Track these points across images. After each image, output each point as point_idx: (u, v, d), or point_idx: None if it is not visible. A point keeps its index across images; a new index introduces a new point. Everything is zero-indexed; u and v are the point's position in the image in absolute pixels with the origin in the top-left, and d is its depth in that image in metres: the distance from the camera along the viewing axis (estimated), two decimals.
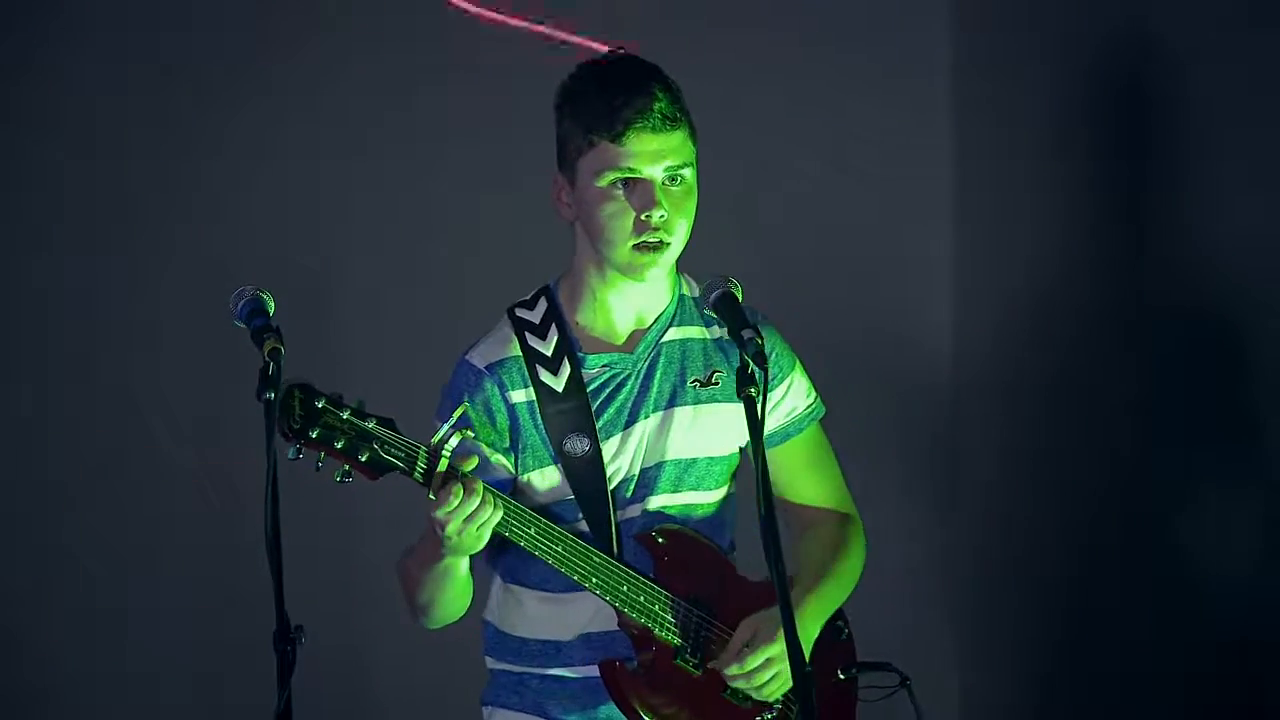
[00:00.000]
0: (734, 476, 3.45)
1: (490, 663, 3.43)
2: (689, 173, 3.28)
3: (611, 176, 3.24)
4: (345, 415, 3.06)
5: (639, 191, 3.24)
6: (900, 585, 5.12)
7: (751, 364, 3.04)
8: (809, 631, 3.32)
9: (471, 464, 3.14)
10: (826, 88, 5.12)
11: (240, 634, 4.63)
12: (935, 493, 5.21)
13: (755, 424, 3.03)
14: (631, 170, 3.24)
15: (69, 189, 4.84)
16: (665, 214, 3.24)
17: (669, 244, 3.27)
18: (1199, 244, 4.57)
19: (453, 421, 3.12)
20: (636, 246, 3.25)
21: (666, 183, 3.25)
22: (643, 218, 3.24)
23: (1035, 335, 5.03)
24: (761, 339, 3.05)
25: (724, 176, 4.97)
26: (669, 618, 3.30)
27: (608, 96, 3.23)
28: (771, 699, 3.33)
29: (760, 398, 3.03)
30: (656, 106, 3.23)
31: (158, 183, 4.86)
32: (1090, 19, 4.86)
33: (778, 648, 3.26)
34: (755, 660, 3.27)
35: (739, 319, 3.12)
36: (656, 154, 3.24)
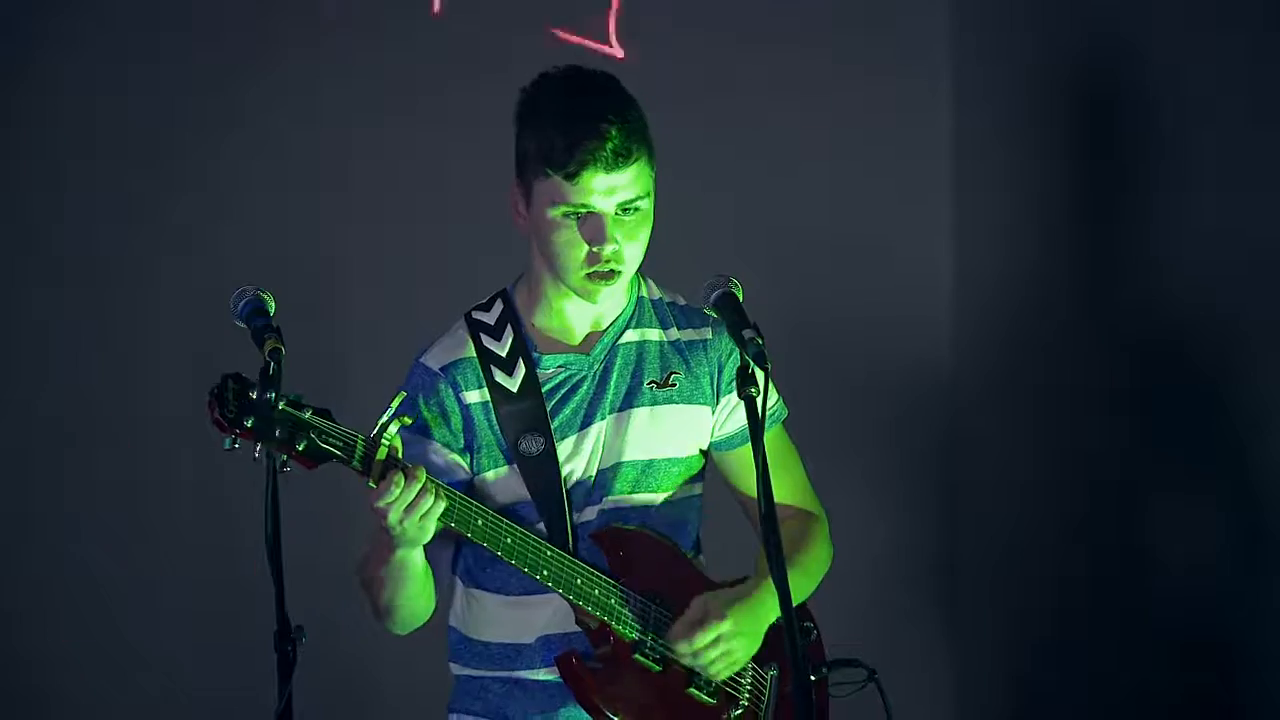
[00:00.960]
0: (699, 479, 3.45)
1: (455, 669, 3.43)
2: (643, 203, 3.28)
3: (563, 209, 3.25)
4: (280, 405, 3.04)
5: (590, 224, 3.25)
6: (897, 586, 5.12)
7: (752, 364, 3.04)
8: (768, 614, 3.32)
9: (396, 442, 3.12)
10: (825, 86, 5.12)
11: (240, 634, 4.64)
12: (933, 492, 5.21)
13: (756, 424, 3.03)
14: (583, 205, 3.24)
15: (69, 189, 4.84)
16: (616, 246, 3.26)
17: (620, 272, 3.28)
18: (1200, 243, 4.57)
19: (393, 410, 3.11)
20: (588, 275, 3.27)
21: (619, 213, 3.26)
22: (593, 250, 3.25)
23: (1034, 335, 5.03)
24: (762, 339, 3.05)
25: (722, 176, 5.00)
26: (626, 612, 3.29)
27: (563, 130, 3.23)
28: (719, 678, 3.31)
29: (761, 398, 3.03)
30: (609, 146, 3.22)
31: (158, 183, 4.86)
32: (1091, 17, 4.86)
33: (728, 625, 3.26)
34: (705, 638, 3.27)
35: (740, 318, 3.11)
36: (608, 190, 3.24)
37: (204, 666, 4.85)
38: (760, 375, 3.04)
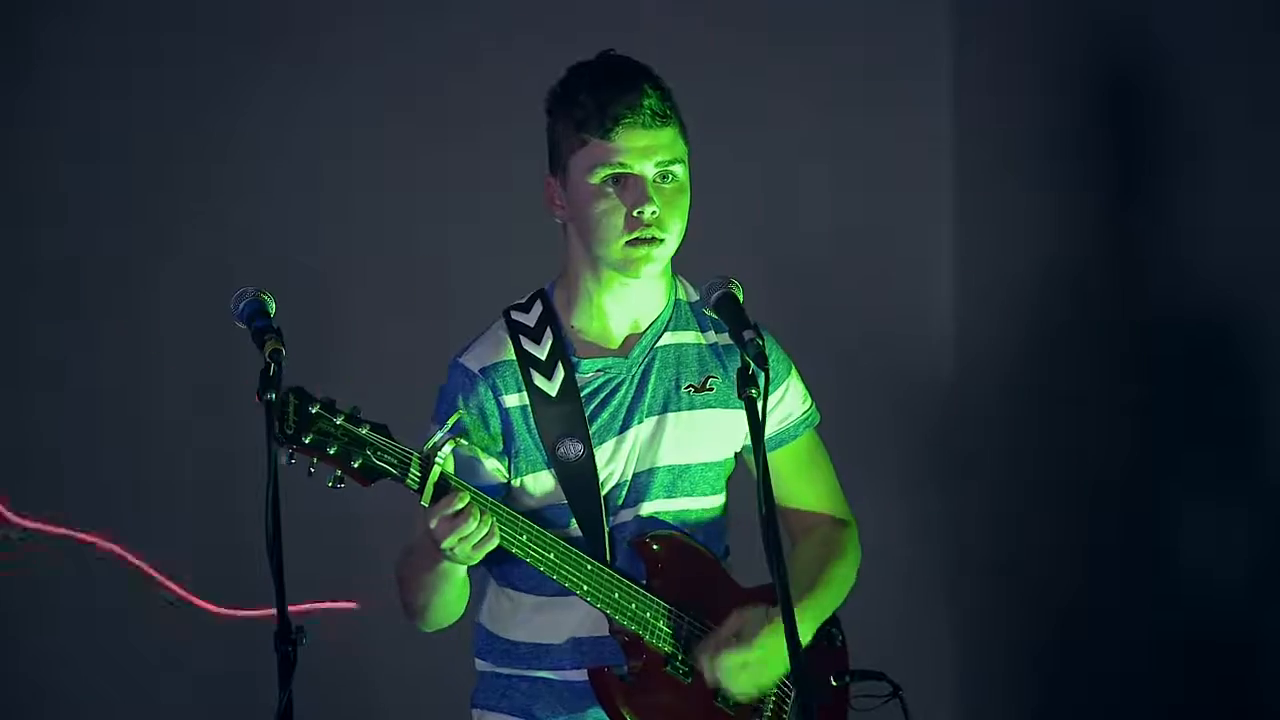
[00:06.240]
0: (727, 483, 3.45)
1: (479, 664, 3.43)
2: (680, 170, 3.29)
3: (603, 173, 3.25)
4: (339, 421, 3.07)
5: (630, 187, 3.25)
6: (900, 587, 5.12)
7: (753, 365, 3.03)
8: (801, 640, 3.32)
9: (450, 463, 3.15)
10: (826, 88, 5.12)
11: (240, 634, 4.64)
12: (936, 494, 5.21)
13: (756, 425, 3.02)
14: (623, 166, 3.25)
15: (70, 190, 4.84)
16: (657, 210, 3.25)
17: (662, 240, 3.27)
18: (1199, 243, 4.57)
19: (447, 428, 3.14)
20: (629, 243, 3.26)
21: (658, 180, 3.26)
22: (634, 214, 3.25)
23: (1036, 336, 5.03)
24: (762, 340, 3.05)
25: (724, 177, 4.99)
26: (660, 625, 3.29)
27: (598, 94, 3.25)
28: (742, 697, 3.31)
29: (761, 399, 3.03)
30: (646, 103, 3.25)
31: (158, 183, 4.86)
32: (1090, 18, 4.85)
33: (756, 654, 3.26)
34: (731, 662, 3.27)
35: (740, 320, 3.11)
36: (647, 150, 3.25)
37: (204, 666, 4.85)
38: (760, 377, 3.03)
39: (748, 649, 3.26)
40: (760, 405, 3.03)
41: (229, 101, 4.88)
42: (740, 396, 3.04)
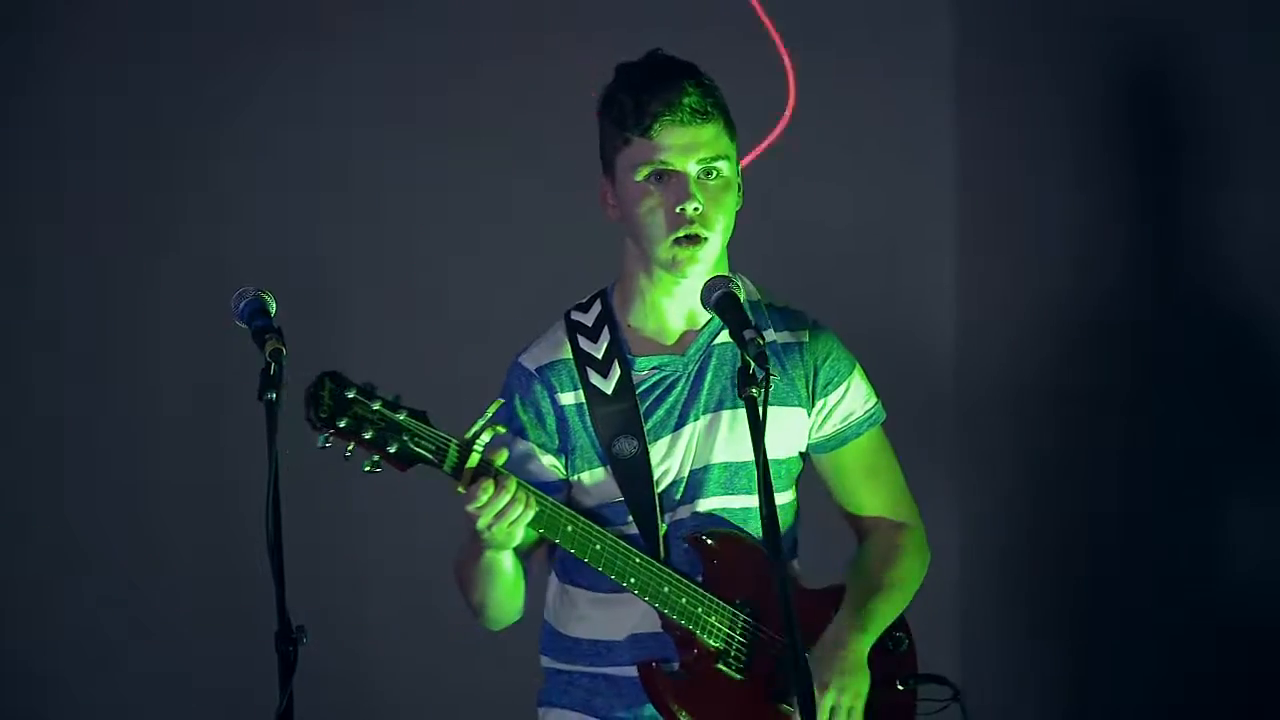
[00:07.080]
0: (796, 482, 3.45)
1: (545, 661, 3.46)
2: (725, 166, 3.31)
3: (645, 171, 3.29)
4: (376, 406, 3.09)
5: (672, 185, 3.28)
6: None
7: (753, 365, 3.04)
8: (860, 649, 3.35)
9: (502, 458, 3.17)
10: (827, 87, 5.12)
11: (241, 634, 4.64)
12: (940, 499, 5.20)
13: (756, 424, 3.03)
14: (664, 163, 3.28)
15: (69, 189, 4.84)
16: (700, 207, 3.27)
17: (706, 238, 3.29)
18: (1203, 243, 4.57)
19: (487, 417, 3.15)
20: (675, 241, 3.28)
21: (701, 177, 3.29)
22: (676, 210, 3.27)
23: (1040, 337, 5.02)
24: (763, 340, 3.05)
25: None
26: (712, 621, 3.30)
27: (638, 93, 3.29)
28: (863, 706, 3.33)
29: (761, 399, 3.03)
30: (685, 100, 3.28)
31: (158, 183, 4.86)
32: (1094, 16, 4.85)
33: (831, 696, 3.29)
34: (824, 708, 3.30)
35: (740, 319, 3.12)
36: (687, 147, 3.28)
37: (204, 667, 4.85)
38: (761, 376, 3.04)
39: (828, 693, 3.30)
40: (760, 405, 3.03)
41: (228, 100, 4.88)
42: (740, 396, 3.05)
